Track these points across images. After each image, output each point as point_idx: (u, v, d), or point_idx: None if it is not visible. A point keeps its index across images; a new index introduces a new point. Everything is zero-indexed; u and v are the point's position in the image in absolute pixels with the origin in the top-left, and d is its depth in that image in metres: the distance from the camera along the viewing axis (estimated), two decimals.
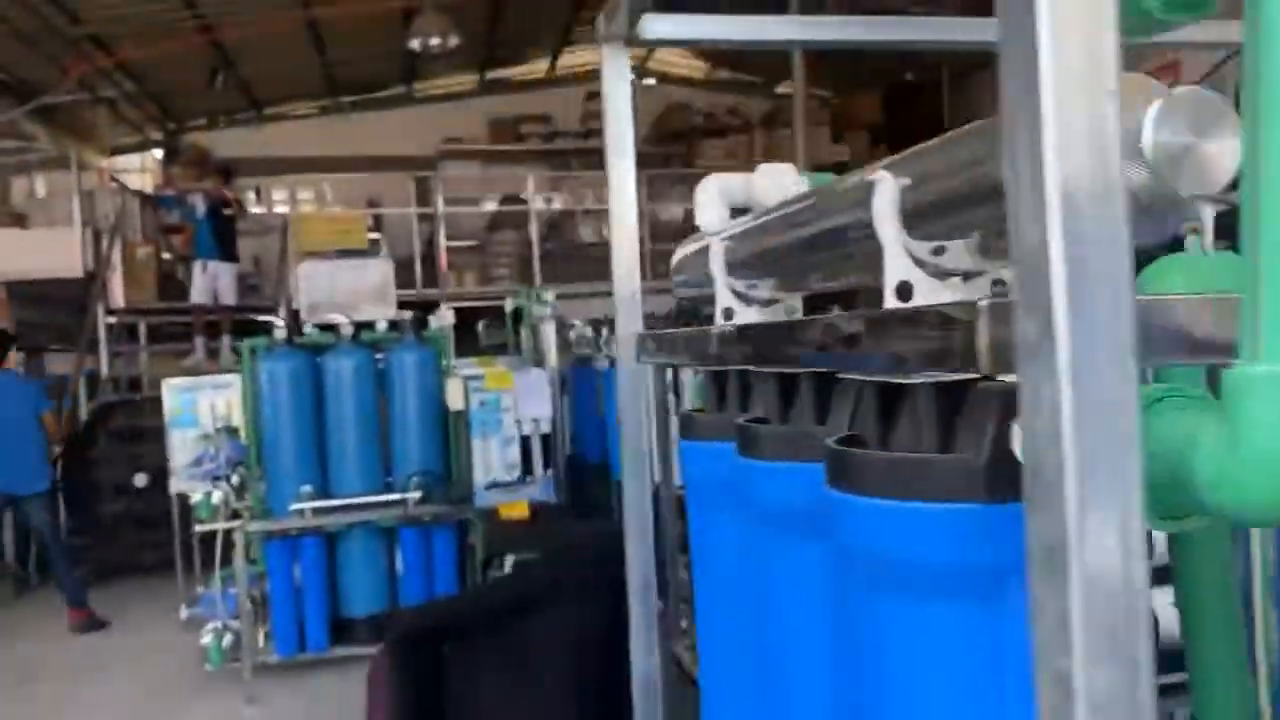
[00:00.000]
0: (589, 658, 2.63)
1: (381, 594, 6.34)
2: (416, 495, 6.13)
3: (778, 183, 1.72)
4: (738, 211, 1.77)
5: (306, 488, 6.11)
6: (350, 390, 6.32)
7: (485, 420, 6.13)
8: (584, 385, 7.03)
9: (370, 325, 6.52)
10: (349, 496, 6.22)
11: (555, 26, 15.26)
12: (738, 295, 1.47)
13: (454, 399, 6.10)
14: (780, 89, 17.56)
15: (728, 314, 1.44)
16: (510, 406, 6.12)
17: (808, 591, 1.16)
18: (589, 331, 7.33)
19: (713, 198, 1.80)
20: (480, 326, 9.43)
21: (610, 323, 8.27)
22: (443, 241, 13.80)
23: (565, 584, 2.58)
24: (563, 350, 7.69)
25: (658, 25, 1.74)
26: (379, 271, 12.76)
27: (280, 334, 6.29)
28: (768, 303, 1.48)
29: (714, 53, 16.89)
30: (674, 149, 16.20)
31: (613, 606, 2.92)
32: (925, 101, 15.67)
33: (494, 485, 6.15)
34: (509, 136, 16.46)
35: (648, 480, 1.84)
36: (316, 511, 6.04)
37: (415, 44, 12.09)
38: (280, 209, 15.83)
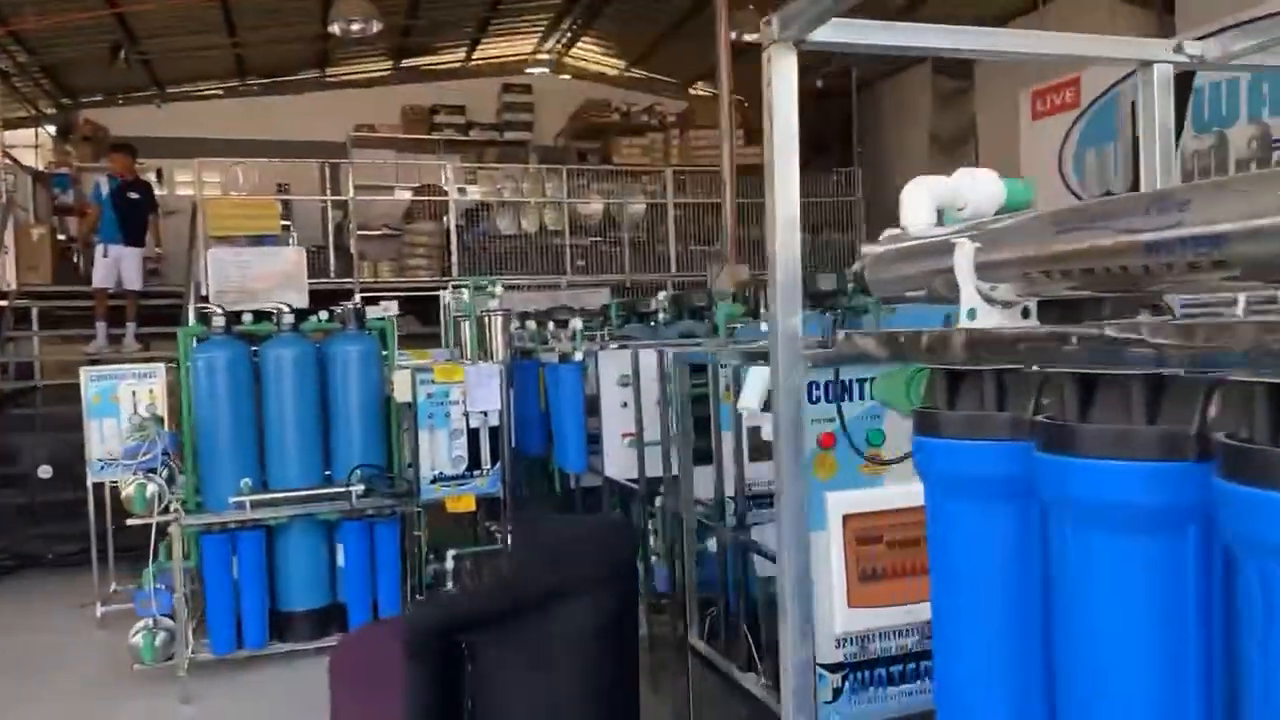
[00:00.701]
0: (605, 648, 2.70)
1: (322, 588, 6.23)
2: (360, 488, 6.05)
3: (981, 187, 1.80)
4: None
5: (246, 480, 5.97)
6: (290, 381, 6.19)
7: (433, 413, 6.08)
8: (525, 378, 7.03)
9: (311, 314, 6.39)
10: (288, 490, 6.10)
11: (474, 17, 15.11)
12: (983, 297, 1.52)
13: (402, 391, 6.04)
14: (695, 90, 17.81)
15: (971, 314, 1.51)
16: (459, 399, 6.09)
17: (1147, 588, 1.22)
18: (532, 324, 7.35)
19: (922, 199, 1.85)
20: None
21: (553, 316, 8.28)
22: (355, 230, 13.55)
23: (578, 576, 2.64)
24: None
25: (827, 30, 1.80)
26: (291, 259, 12.53)
27: (219, 322, 6.12)
28: (1006, 305, 1.54)
29: (631, 51, 17.01)
30: (591, 145, 16.23)
31: (623, 594, 3.00)
32: (835, 107, 16.11)
33: (440, 478, 6.11)
34: (423, 125, 16.22)
35: (800, 480, 1.82)
36: (257, 504, 5.90)
37: (335, 28, 11.82)
38: (182, 192, 15.24)
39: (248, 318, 6.32)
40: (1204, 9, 10.65)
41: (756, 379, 2.89)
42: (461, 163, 15.27)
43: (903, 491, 2.21)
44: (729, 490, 4.44)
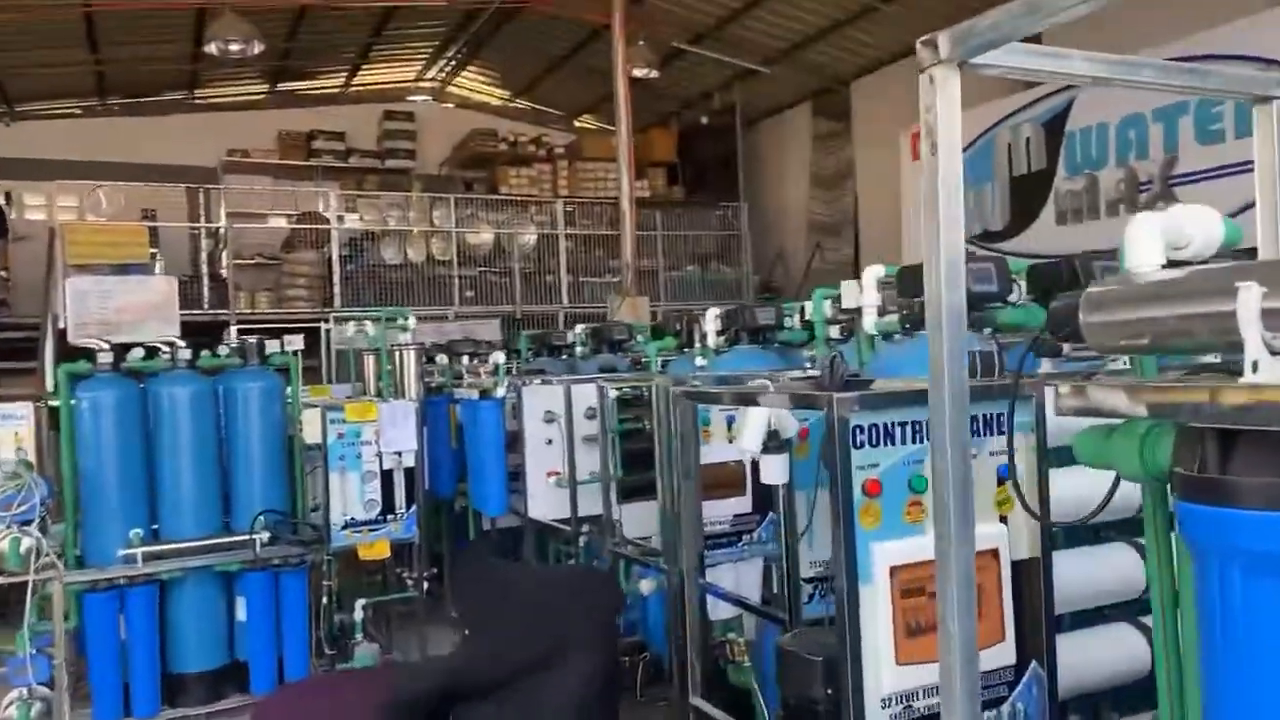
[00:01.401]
0: (594, 710, 2.52)
1: (219, 647, 5.75)
2: (265, 536, 5.64)
3: (1205, 225, 1.70)
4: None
5: (136, 531, 5.48)
6: (185, 421, 5.72)
7: (344, 454, 5.74)
8: (435, 416, 6.75)
9: (209, 349, 5.95)
10: (182, 540, 5.63)
11: (356, 43, 14.70)
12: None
13: (311, 431, 5.68)
14: (581, 122, 17.80)
15: (1255, 368, 1.37)
16: (371, 440, 5.77)
17: None
18: (443, 359, 7.06)
19: (1150, 238, 1.73)
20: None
21: (455, 349, 7.97)
22: (229, 259, 12.88)
23: (569, 639, 2.46)
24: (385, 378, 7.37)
25: (997, 56, 1.68)
26: (160, 289, 11.77)
27: (104, 358, 5.62)
28: None
29: (516, 82, 16.88)
30: (478, 175, 15.98)
31: (611, 654, 2.83)
32: (718, 143, 16.39)
33: (352, 524, 5.77)
34: (300, 151, 15.64)
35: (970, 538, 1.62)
36: (149, 557, 5.41)
37: (212, 47, 11.25)
38: (34, 216, 14.19)
39: (137, 353, 5.83)
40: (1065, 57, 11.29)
41: (755, 420, 2.79)
42: (342, 190, 14.77)
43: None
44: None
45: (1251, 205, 9.34)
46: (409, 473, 5.88)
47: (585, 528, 5.72)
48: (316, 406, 5.75)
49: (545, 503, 5.86)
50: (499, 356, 6.25)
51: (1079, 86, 10.23)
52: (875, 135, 13.71)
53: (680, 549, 3.42)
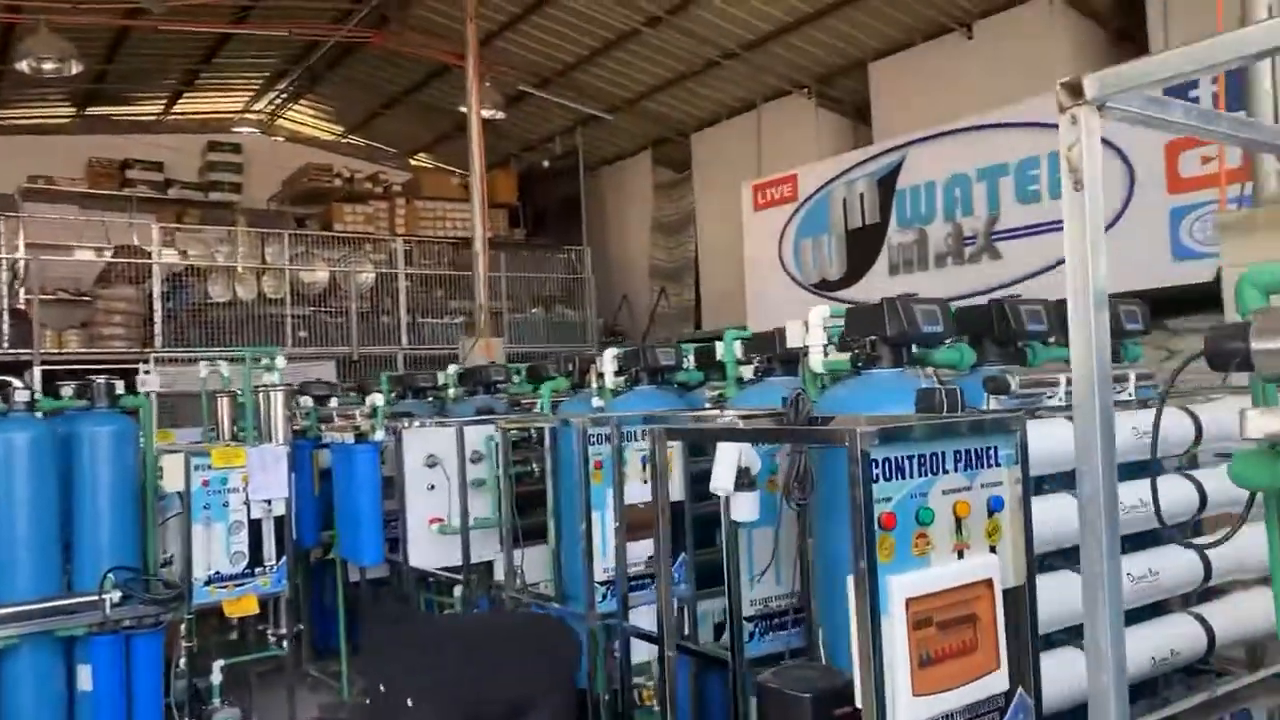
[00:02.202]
0: None
1: None
2: (115, 595, 5.13)
3: None
4: None
5: None
6: (22, 469, 5.13)
7: (209, 503, 5.32)
8: (298, 461, 6.37)
9: (50, 391, 5.41)
10: (17, 603, 5.04)
11: (180, 69, 13.93)
12: None
13: (172, 479, 5.24)
14: (416, 160, 17.50)
15: None
16: (239, 487, 5.38)
17: None
18: (308, 401, 6.67)
19: None
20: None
21: (319, 391, 7.57)
22: (35, 293, 11.79)
23: (533, 693, 2.34)
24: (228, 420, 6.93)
25: (1134, 101, 1.70)
26: None
27: None
28: None
29: (350, 118, 16.45)
30: (311, 211, 15.37)
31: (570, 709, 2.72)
32: (560, 187, 16.52)
33: (216, 579, 5.34)
34: (113, 180, 14.58)
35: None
36: None
37: (24, 65, 10.36)
38: None
39: None
40: (893, 120, 12.11)
41: (726, 457, 2.79)
42: (160, 223, 13.85)
43: (951, 571, 2.21)
44: (600, 575, 4.26)
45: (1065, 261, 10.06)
46: (278, 522, 5.52)
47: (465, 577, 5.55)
48: (178, 452, 5.31)
49: (428, 550, 5.63)
50: (377, 399, 5.98)
51: (910, 146, 10.98)
52: (715, 185, 14.18)
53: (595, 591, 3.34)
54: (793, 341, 3.25)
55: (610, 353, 5.11)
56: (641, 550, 4.33)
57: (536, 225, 17.12)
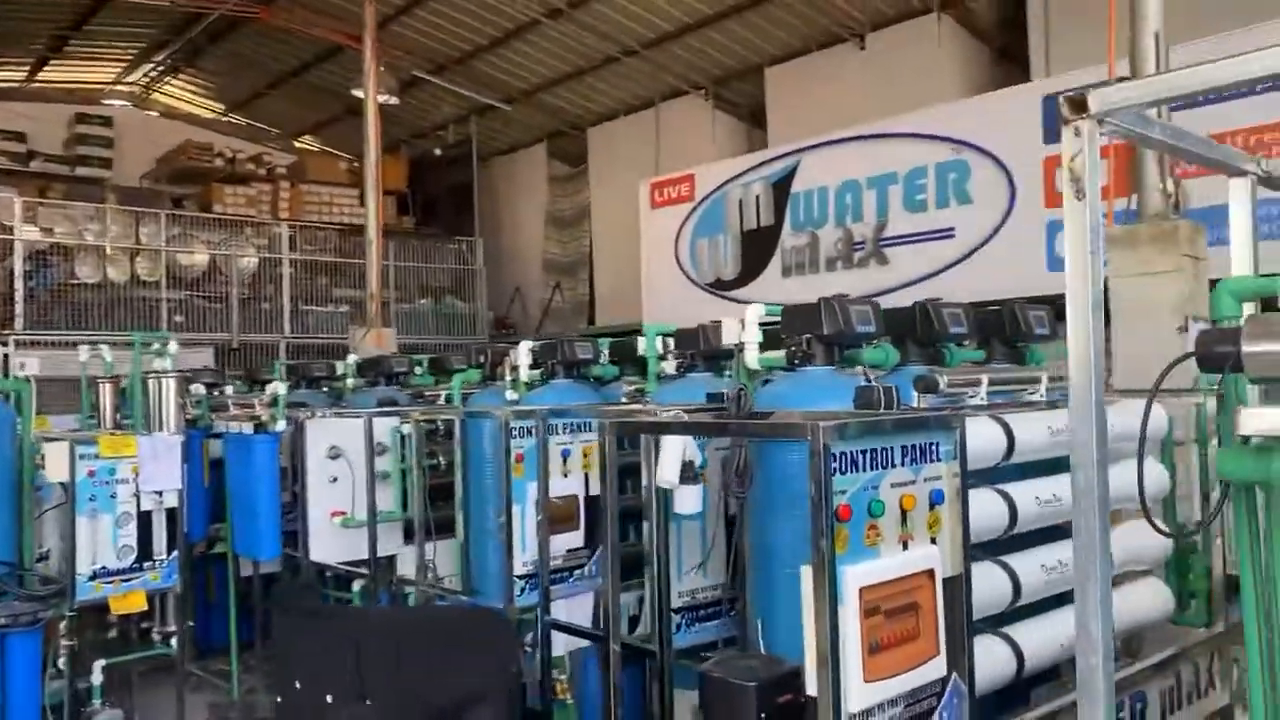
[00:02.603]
0: None
1: None
2: None
3: None
4: None
5: None
6: None
7: (95, 494, 5.02)
8: (190, 451, 6.09)
9: None
10: None
11: (47, 33, 13.11)
12: None
13: (56, 469, 4.93)
14: (301, 143, 16.95)
15: None
16: (128, 478, 5.11)
17: None
18: (199, 389, 6.36)
19: None
20: None
21: (206, 379, 7.26)
22: None
23: (477, 690, 2.31)
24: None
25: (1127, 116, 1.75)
26: None
27: None
28: None
29: (232, 96, 15.82)
30: (188, 190, 14.69)
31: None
32: (451, 176, 16.27)
33: (102, 574, 5.06)
34: None
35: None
36: None
37: None
38: None
39: None
40: (787, 125, 12.40)
41: (671, 450, 2.81)
42: (22, 197, 12.99)
43: (898, 561, 2.29)
44: (520, 569, 4.23)
45: (949, 267, 10.55)
46: (170, 514, 5.27)
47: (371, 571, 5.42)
48: (60, 440, 5.01)
49: (330, 545, 5.47)
50: (279, 387, 5.76)
51: (805, 151, 11.25)
52: (611, 180, 14.22)
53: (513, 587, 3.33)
54: (728, 339, 3.32)
55: (525, 345, 5.08)
56: (560, 544, 4.32)
57: (426, 214, 16.82)
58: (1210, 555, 3.53)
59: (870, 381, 3.02)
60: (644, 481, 3.03)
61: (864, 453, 2.24)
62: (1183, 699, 3.35)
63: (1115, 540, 2.52)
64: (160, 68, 14.88)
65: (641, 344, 4.68)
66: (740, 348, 3.29)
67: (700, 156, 13.11)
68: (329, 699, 3.10)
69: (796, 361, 3.11)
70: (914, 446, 2.35)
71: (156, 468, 5.20)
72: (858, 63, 12.01)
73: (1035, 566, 3.00)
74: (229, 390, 6.94)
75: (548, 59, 13.38)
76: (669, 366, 4.59)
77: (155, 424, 5.64)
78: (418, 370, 6.56)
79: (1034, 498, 2.99)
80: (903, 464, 2.32)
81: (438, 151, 15.88)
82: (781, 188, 11.46)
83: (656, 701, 3.18)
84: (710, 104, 13.43)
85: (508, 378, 5.16)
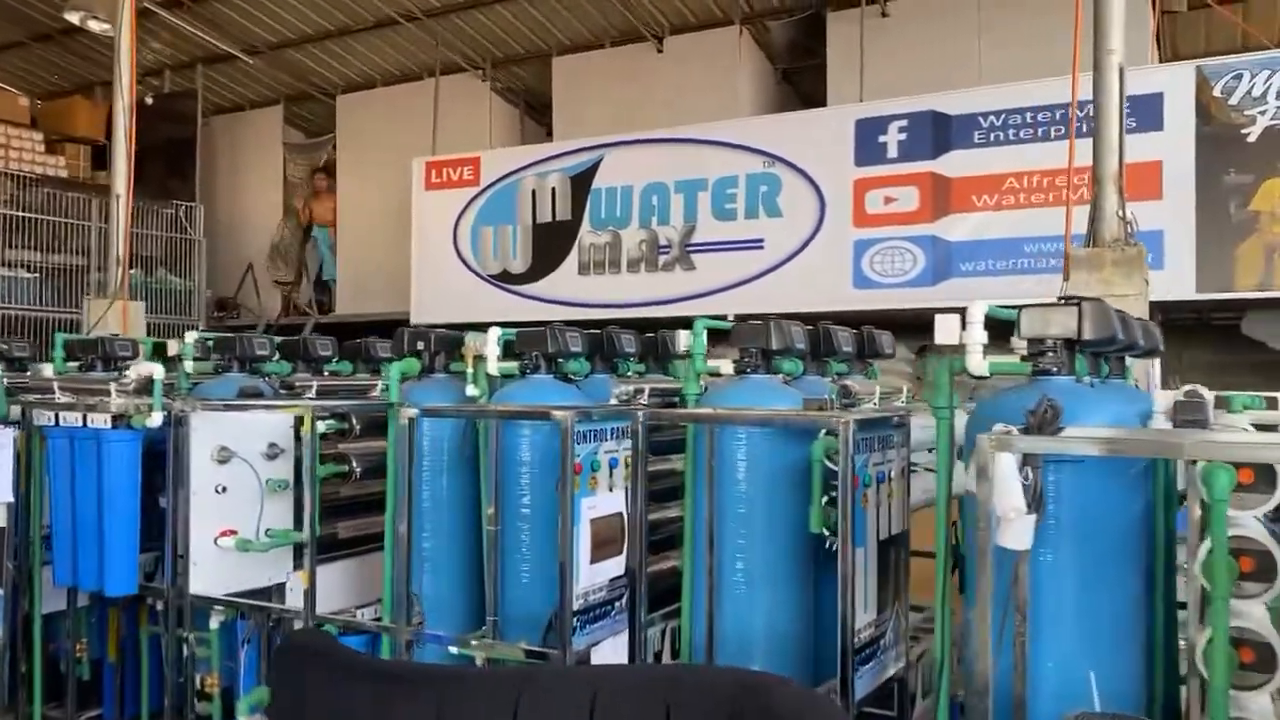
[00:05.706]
0: None
1: None
2: None
3: None
4: None
5: None
6: None
7: None
8: None
9: None
10: None
11: None
12: None
13: None
14: None
15: None
16: None
17: None
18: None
19: None
20: None
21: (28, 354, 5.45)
22: None
23: None
24: None
25: None
26: None
27: None
28: None
29: None
30: None
31: None
32: (164, 130, 13.96)
33: None
34: None
35: None
36: None
37: None
38: None
39: None
40: (575, 118, 11.99)
41: (1007, 471, 2.34)
42: None
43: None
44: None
45: (757, 277, 10.70)
46: None
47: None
48: None
49: (215, 573, 4.25)
50: (157, 369, 4.32)
51: (610, 147, 10.83)
52: (364, 155, 12.95)
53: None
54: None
55: (495, 333, 4.23)
56: (602, 571, 3.61)
57: (143, 165, 14.28)
58: None
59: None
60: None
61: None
62: None
63: None
64: None
65: (684, 339, 4.07)
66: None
67: (472, 138, 12.33)
68: None
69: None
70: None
71: None
72: (654, 64, 11.89)
73: None
74: (47, 371, 5.21)
75: (303, 9, 11.88)
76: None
77: None
78: (325, 354, 5.37)
79: None
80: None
81: (149, 99, 13.53)
82: (581, 182, 10.99)
83: None
84: (488, 85, 12.66)
85: (469, 370, 4.28)
